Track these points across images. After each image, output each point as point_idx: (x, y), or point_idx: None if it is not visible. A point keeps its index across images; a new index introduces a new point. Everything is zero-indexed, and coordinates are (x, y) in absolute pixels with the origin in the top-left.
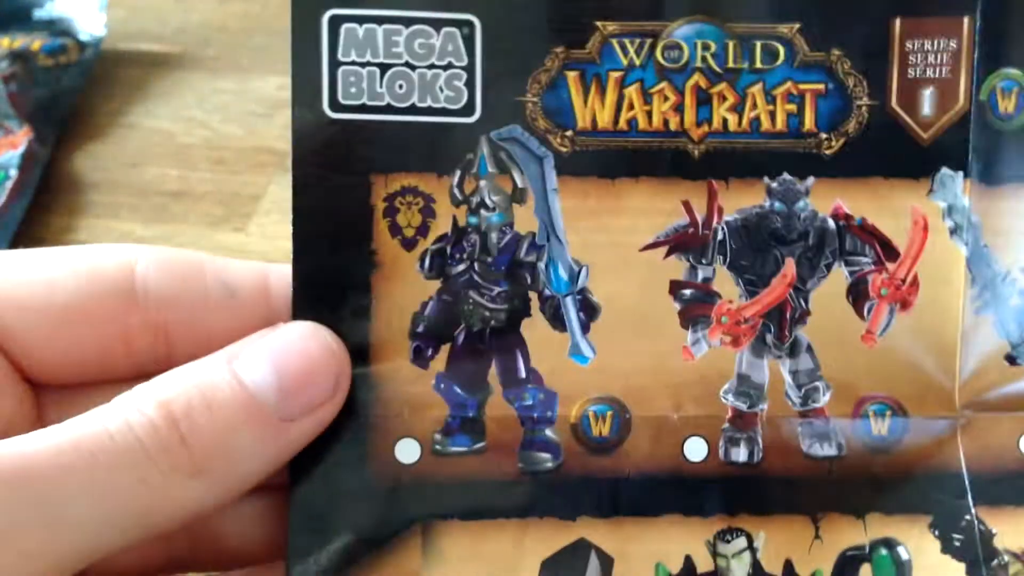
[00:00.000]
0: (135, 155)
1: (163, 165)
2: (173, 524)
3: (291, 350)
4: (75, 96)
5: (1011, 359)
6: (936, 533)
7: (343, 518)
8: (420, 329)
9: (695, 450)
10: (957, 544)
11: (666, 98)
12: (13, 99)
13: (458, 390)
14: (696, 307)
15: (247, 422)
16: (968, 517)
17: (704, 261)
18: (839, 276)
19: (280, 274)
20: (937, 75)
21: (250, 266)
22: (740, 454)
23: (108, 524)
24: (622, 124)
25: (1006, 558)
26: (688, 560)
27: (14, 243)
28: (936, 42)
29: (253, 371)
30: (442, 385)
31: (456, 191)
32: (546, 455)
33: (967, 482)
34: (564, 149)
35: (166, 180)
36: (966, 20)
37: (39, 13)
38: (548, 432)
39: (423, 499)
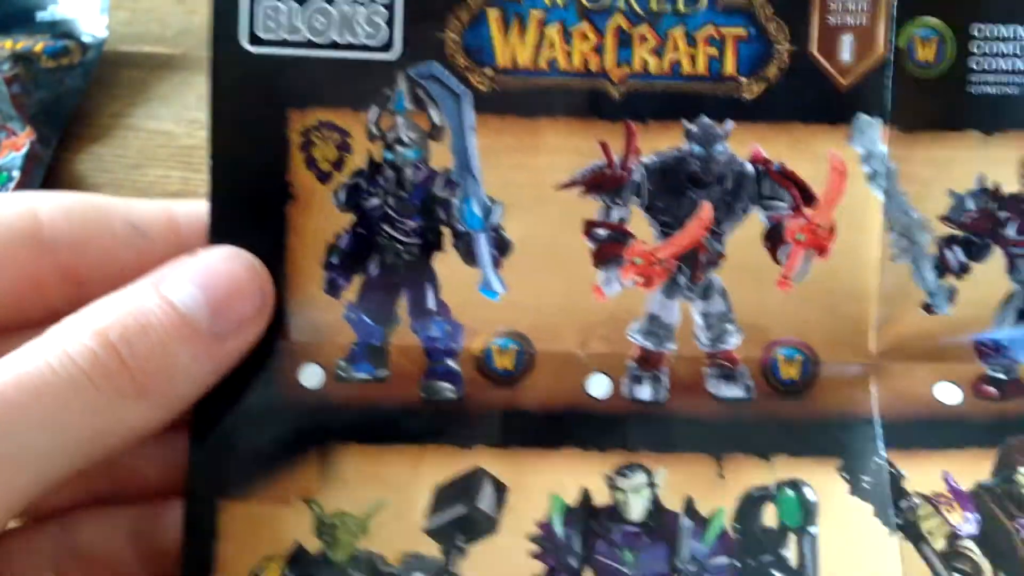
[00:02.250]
0: (137, 157)
1: (165, 167)
2: (120, 447)
3: (216, 270)
4: (77, 98)
5: (927, 307)
6: (845, 475)
7: (244, 438)
8: (334, 260)
9: (598, 386)
10: (866, 486)
11: (587, 38)
12: (16, 101)
13: (367, 319)
14: (610, 247)
15: (182, 342)
16: (878, 460)
17: (620, 202)
18: (756, 220)
19: (187, 210)
20: (856, 22)
21: (155, 205)
22: (644, 392)
23: (60, 454)
24: (542, 63)
25: (915, 500)
26: (585, 492)
27: None
28: None
29: (182, 293)
30: (352, 315)
31: (372, 127)
32: (448, 385)
33: (879, 427)
34: (483, 87)
35: (168, 181)
36: None
37: (42, 15)
38: (451, 363)
39: (324, 422)
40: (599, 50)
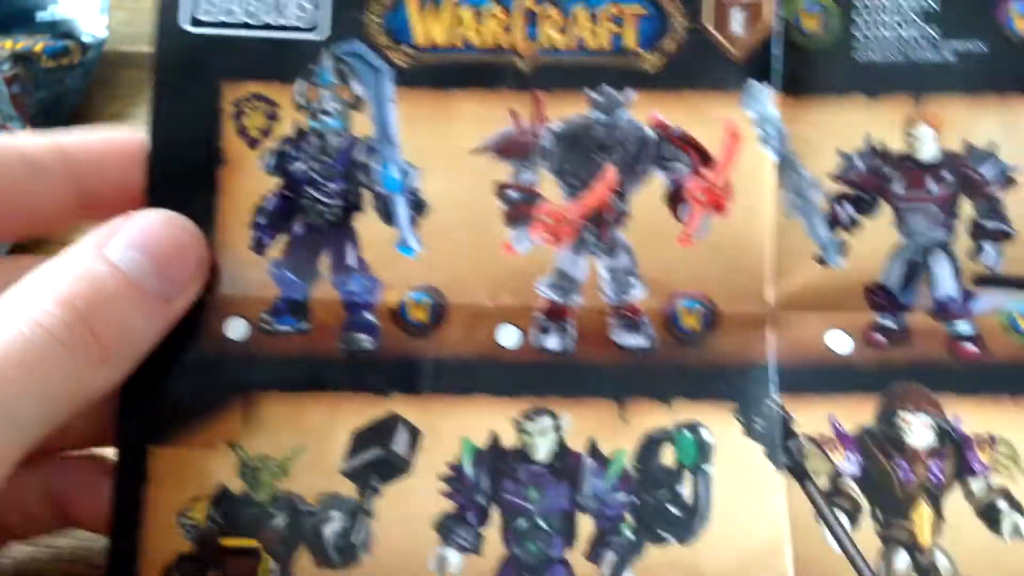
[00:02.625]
0: None
1: None
2: (87, 406)
3: (157, 235)
4: (77, 98)
5: (820, 260)
6: (739, 418)
7: (172, 387)
8: (261, 220)
9: (507, 336)
10: (758, 428)
11: (497, 18)
12: (16, 101)
13: (290, 275)
14: (520, 207)
15: (136, 306)
16: (771, 404)
17: (529, 165)
18: (658, 181)
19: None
20: None
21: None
22: (551, 342)
23: (43, 418)
24: (456, 42)
25: (803, 441)
26: (494, 436)
27: (17, 244)
28: None
29: (127, 259)
30: (276, 270)
31: (299, 98)
32: (366, 336)
33: (773, 373)
34: (402, 63)
35: None
36: None
37: (42, 15)
38: (368, 316)
39: (247, 372)
40: (508, 28)
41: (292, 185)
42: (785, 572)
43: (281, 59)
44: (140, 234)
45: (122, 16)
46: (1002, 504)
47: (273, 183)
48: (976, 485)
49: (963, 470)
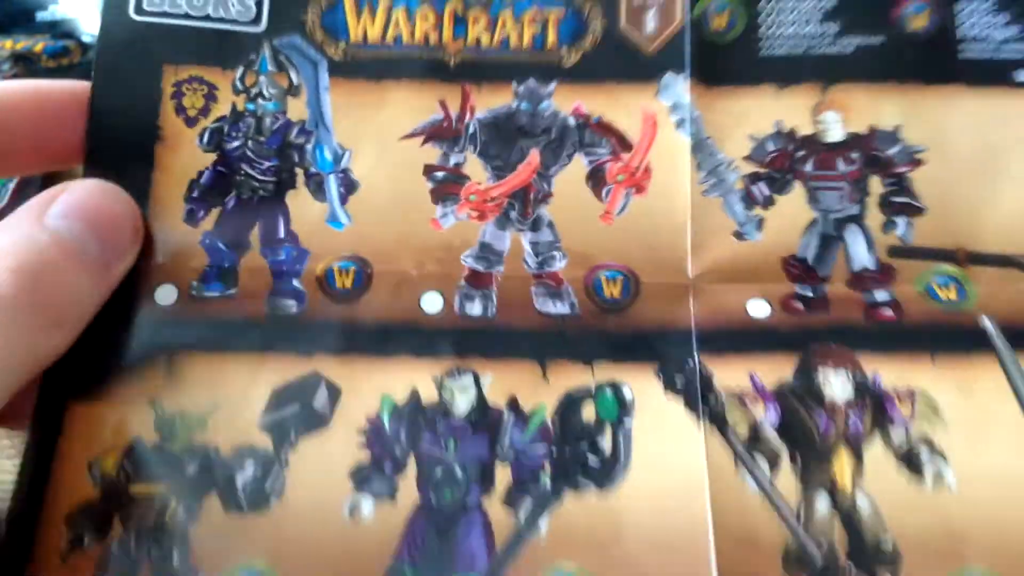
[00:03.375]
0: None
1: None
2: (39, 370)
3: (92, 204)
4: None
5: (739, 235)
6: (661, 376)
7: (97, 348)
8: (195, 194)
9: (431, 303)
10: (679, 384)
11: (427, 18)
12: None
13: (221, 245)
14: (447, 186)
15: (83, 274)
16: (691, 362)
17: (456, 149)
18: (580, 164)
19: None
20: (658, 1)
21: None
22: (474, 308)
23: (2, 384)
24: (388, 39)
25: (723, 395)
26: (414, 392)
27: None
28: None
29: (66, 227)
30: (207, 241)
31: (238, 82)
32: (292, 301)
33: (694, 336)
34: (337, 57)
35: None
36: None
37: (42, 15)
38: (296, 283)
39: (173, 334)
40: (438, 28)
41: (227, 162)
42: (703, 515)
43: (222, 47)
44: (76, 203)
45: None
46: (924, 451)
47: (208, 159)
48: (896, 434)
49: (883, 420)
